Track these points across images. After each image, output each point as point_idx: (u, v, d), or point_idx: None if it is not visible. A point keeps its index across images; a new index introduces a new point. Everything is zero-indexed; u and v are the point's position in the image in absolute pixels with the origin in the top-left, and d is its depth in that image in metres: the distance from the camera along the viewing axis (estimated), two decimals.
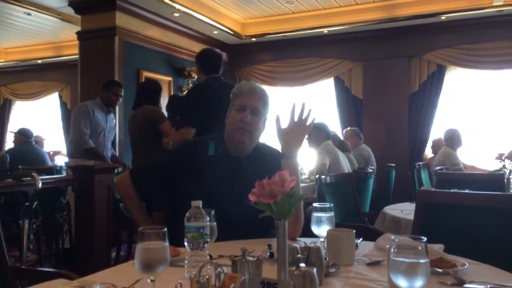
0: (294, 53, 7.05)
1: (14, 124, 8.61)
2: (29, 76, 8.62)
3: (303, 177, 5.01)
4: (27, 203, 2.22)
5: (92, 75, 5.34)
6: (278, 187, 1.03)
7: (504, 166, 3.92)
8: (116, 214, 2.70)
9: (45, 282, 1.16)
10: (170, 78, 6.19)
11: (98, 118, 4.27)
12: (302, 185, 4.53)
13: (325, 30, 6.57)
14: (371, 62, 6.62)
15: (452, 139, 5.15)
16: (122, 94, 4.45)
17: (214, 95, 3.09)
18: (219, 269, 0.91)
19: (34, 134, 5.68)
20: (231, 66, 7.46)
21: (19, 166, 3.97)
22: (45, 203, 2.50)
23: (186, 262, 1.25)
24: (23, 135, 5.27)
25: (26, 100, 8.96)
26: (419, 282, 0.93)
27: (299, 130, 1.77)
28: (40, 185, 2.21)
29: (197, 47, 6.64)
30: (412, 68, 6.45)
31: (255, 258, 1.15)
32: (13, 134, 5.68)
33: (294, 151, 1.76)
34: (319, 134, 4.35)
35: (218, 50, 3.52)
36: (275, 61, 7.25)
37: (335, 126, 6.49)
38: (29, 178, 2.26)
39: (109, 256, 2.71)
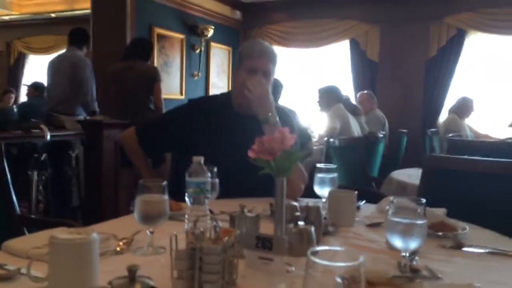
0: (310, 13, 6.86)
1: (28, 78, 8.65)
2: (42, 30, 8.58)
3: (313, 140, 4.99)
4: (36, 155, 2.25)
5: (104, 30, 5.28)
6: (278, 144, 1.02)
7: None
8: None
9: (47, 229, 1.19)
10: (182, 36, 6.11)
11: None
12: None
13: None
14: (389, 25, 6.42)
15: (460, 107, 5.05)
16: None
17: None
18: (214, 223, 0.92)
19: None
20: (245, 25, 7.31)
21: (31, 119, 4.01)
22: (55, 156, 2.53)
23: (186, 216, 1.27)
24: (36, 89, 5.29)
25: (39, 54, 8.97)
26: (414, 243, 0.93)
27: (255, 94, 1.74)
28: (48, 137, 2.23)
29: (210, 4, 6.51)
30: (431, 32, 6.25)
31: (254, 215, 1.16)
32: (26, 87, 5.71)
33: (269, 115, 1.74)
34: (330, 97, 4.29)
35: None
36: (290, 21, 7.07)
37: (348, 89, 6.39)
38: (38, 130, 2.28)
39: (118, 209, 2.76)
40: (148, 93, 4.03)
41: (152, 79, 4.00)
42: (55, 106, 3.64)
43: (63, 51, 8.77)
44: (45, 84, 5.35)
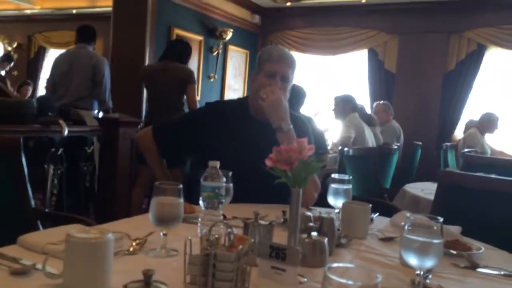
0: (329, 21, 6.86)
1: (47, 72, 8.77)
2: (63, 25, 8.69)
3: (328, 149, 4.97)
4: (53, 149, 2.27)
5: (124, 29, 5.33)
6: (296, 154, 1.02)
7: None
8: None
9: (62, 226, 1.20)
10: (201, 38, 6.14)
11: None
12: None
13: None
14: (408, 36, 6.39)
15: (483, 123, 4.97)
16: None
17: None
18: (229, 230, 0.92)
19: None
20: (264, 30, 7.33)
21: (49, 113, 4.05)
22: (71, 151, 2.56)
23: (199, 220, 1.27)
24: None
25: (59, 49, 9.08)
26: (430, 262, 0.92)
27: (268, 101, 1.74)
28: (66, 132, 2.25)
29: (230, 7, 6.54)
30: (450, 45, 6.20)
31: (267, 223, 1.16)
32: (45, 81, 5.76)
33: (282, 123, 1.73)
34: (345, 106, 4.27)
35: None
36: (309, 28, 7.08)
37: (364, 99, 6.36)
38: (56, 125, 2.31)
39: (131, 207, 2.78)
40: (180, 95, 3.97)
41: (185, 81, 3.95)
42: (73, 102, 3.69)
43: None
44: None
